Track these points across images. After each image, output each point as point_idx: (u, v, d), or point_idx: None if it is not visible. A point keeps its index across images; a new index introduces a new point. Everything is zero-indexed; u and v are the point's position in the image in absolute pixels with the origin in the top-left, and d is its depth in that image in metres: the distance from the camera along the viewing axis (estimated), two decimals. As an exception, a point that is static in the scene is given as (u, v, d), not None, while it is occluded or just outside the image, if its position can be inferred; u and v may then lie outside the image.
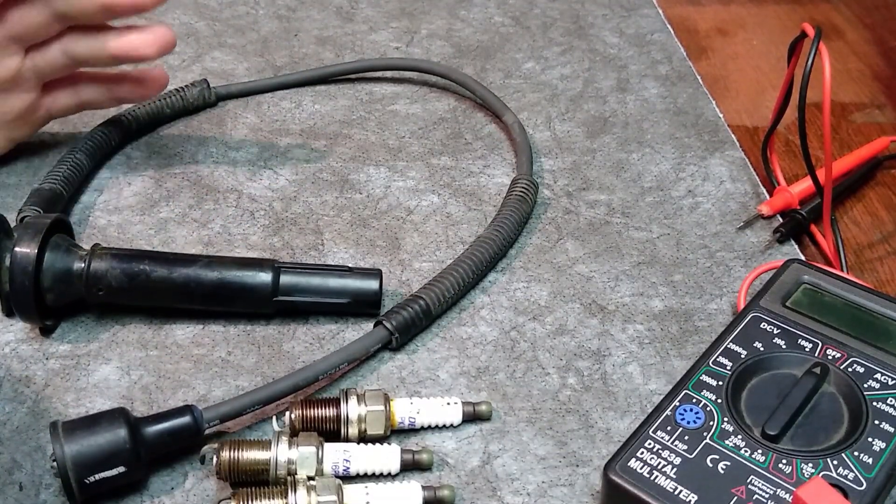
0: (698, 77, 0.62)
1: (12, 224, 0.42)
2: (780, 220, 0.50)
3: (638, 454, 0.33)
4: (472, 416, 0.38)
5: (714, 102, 0.59)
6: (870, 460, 0.33)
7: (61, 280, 0.40)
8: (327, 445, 0.35)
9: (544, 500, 0.35)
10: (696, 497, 0.31)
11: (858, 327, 0.38)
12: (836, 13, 0.71)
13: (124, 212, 0.49)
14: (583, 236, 0.48)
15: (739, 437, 0.34)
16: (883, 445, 0.33)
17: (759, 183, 0.52)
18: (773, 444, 0.33)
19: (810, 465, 0.33)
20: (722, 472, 0.33)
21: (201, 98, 0.57)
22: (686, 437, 0.34)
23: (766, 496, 0.31)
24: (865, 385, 0.35)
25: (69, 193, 0.48)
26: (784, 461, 0.33)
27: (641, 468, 0.33)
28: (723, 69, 0.64)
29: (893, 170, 0.55)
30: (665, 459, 0.33)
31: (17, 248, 0.39)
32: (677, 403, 0.35)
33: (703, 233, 0.49)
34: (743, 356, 0.37)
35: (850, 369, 0.36)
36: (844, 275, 0.42)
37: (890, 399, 0.35)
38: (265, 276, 0.41)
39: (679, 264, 0.47)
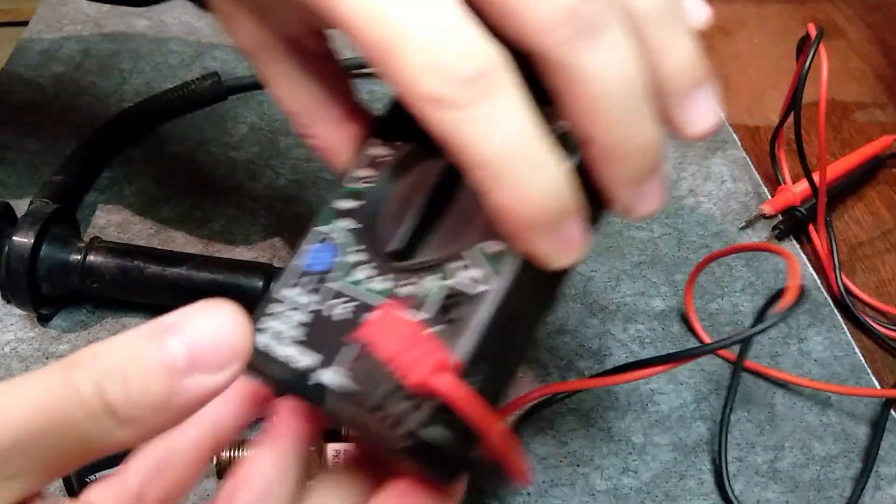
0: (699, 76, 0.62)
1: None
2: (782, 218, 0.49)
3: (262, 325, 0.27)
4: (473, 416, 0.38)
5: (715, 102, 0.59)
6: (502, 246, 0.24)
7: (57, 270, 0.40)
8: (328, 445, 0.35)
9: (545, 500, 0.35)
10: (312, 360, 0.25)
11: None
12: (837, 12, 0.71)
13: (124, 211, 0.49)
14: (584, 236, 0.48)
15: (368, 266, 0.26)
16: None
17: (761, 182, 0.52)
18: (398, 263, 0.25)
19: (437, 276, 0.24)
20: (342, 317, 0.25)
21: (211, 92, 0.57)
22: (312, 287, 0.26)
23: None
24: None
25: (82, 185, 0.49)
26: (411, 279, 0.25)
27: (265, 344, 0.26)
28: (724, 68, 0.64)
29: (895, 169, 0.55)
30: (287, 322, 0.26)
31: (14, 237, 0.39)
32: (305, 248, 0.28)
33: (705, 232, 0.49)
34: (395, 148, 0.28)
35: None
36: None
37: None
38: (256, 281, 0.41)
39: (680, 264, 0.47)
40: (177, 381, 0.22)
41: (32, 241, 0.39)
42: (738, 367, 0.35)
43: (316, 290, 0.26)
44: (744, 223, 0.49)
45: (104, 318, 0.43)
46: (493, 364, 0.23)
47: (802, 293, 0.28)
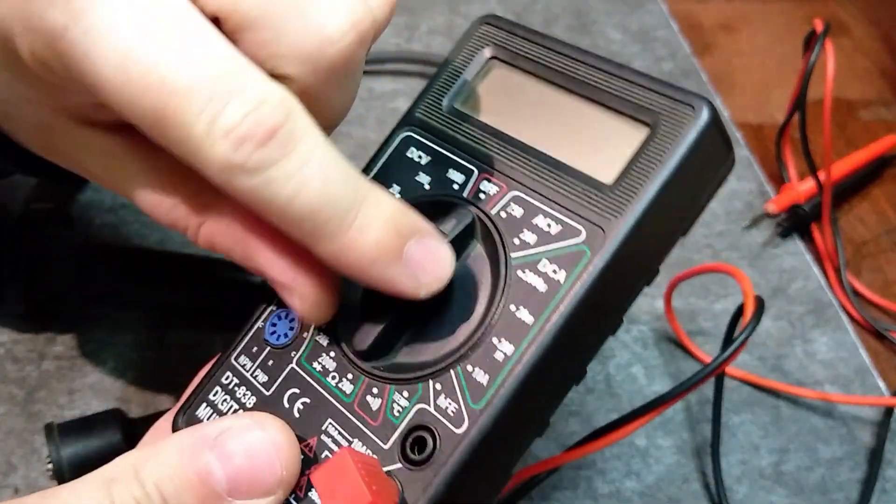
0: (703, 74, 0.61)
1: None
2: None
3: (210, 396, 0.24)
4: (474, 419, 0.37)
5: (719, 99, 0.59)
6: (485, 379, 0.21)
7: (52, 270, 0.40)
8: None
9: (547, 505, 0.35)
10: None
11: (545, 124, 0.24)
12: (841, 10, 0.70)
13: (120, 211, 0.48)
14: (586, 235, 0.48)
15: (332, 353, 0.23)
16: (510, 350, 0.21)
17: (765, 181, 0.52)
18: (366, 364, 0.23)
19: (405, 393, 0.22)
20: (298, 415, 0.23)
21: None
22: (270, 362, 0.24)
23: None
24: (515, 241, 0.23)
25: (77, 184, 0.48)
26: (375, 390, 0.22)
27: (209, 418, 0.24)
28: (727, 66, 0.63)
29: (900, 168, 0.54)
30: (238, 401, 0.24)
31: (9, 238, 0.39)
32: (273, 308, 0.25)
33: (709, 232, 0.48)
34: None
35: (504, 213, 0.23)
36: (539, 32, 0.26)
37: (542, 262, 0.22)
38: (254, 279, 0.40)
39: (684, 264, 0.46)
40: None
41: (28, 241, 0.39)
42: (718, 396, 0.34)
43: (274, 369, 0.24)
44: (748, 222, 0.48)
45: (100, 319, 0.42)
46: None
47: (760, 306, 0.27)
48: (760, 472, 0.37)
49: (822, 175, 0.46)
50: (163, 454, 0.21)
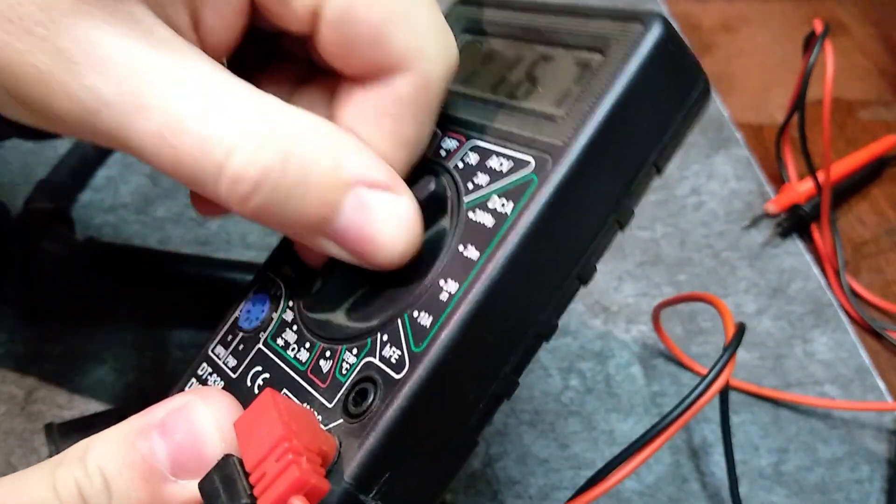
0: (702, 74, 0.61)
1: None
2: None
3: (186, 388, 0.25)
4: (473, 419, 0.37)
5: (719, 100, 0.59)
6: (428, 321, 0.20)
7: (52, 270, 0.40)
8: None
9: (546, 505, 0.35)
10: None
11: (500, 78, 0.25)
12: (841, 10, 0.70)
13: (120, 211, 0.48)
14: (585, 235, 0.48)
15: (295, 327, 0.23)
16: (454, 288, 0.20)
17: (765, 182, 0.52)
18: (323, 332, 0.22)
19: (354, 350, 0.21)
20: (258, 392, 0.22)
21: None
22: (241, 347, 0.24)
23: None
24: (469, 185, 0.22)
25: (77, 185, 0.48)
26: (328, 354, 0.22)
27: None
28: (727, 66, 0.63)
29: (900, 168, 0.54)
30: None
31: (9, 237, 0.39)
32: (252, 294, 0.25)
33: (708, 232, 0.48)
34: None
35: (461, 163, 0.23)
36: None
37: (492, 199, 0.21)
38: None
39: (683, 264, 0.46)
40: (160, 487, 0.20)
41: (28, 241, 0.39)
42: (725, 420, 0.33)
43: (243, 352, 0.24)
44: (748, 222, 0.48)
45: (100, 319, 0.42)
46: (403, 469, 0.20)
47: (740, 332, 0.27)
48: (760, 472, 0.37)
49: (821, 175, 0.46)
50: (111, 435, 0.21)
